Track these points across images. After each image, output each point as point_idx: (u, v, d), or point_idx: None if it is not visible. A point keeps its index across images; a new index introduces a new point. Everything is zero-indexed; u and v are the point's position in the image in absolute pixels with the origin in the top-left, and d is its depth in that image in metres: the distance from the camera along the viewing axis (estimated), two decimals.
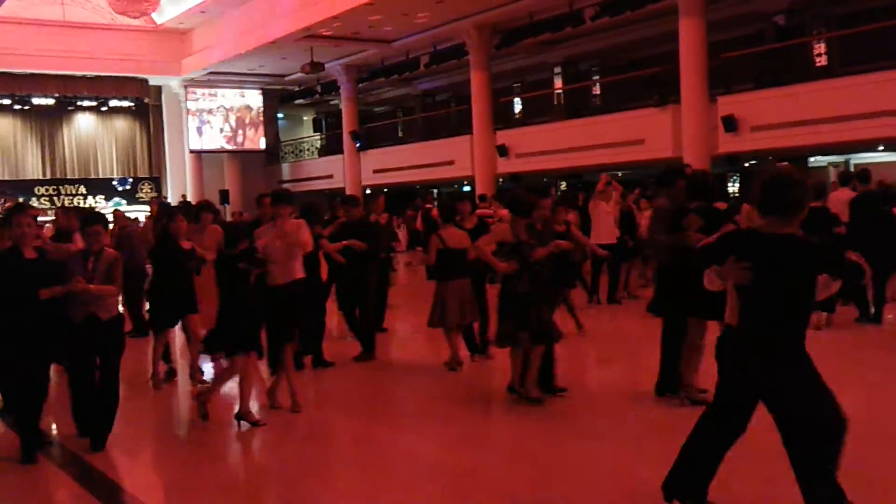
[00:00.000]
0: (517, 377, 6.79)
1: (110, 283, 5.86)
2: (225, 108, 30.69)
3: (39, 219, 10.52)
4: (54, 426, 6.59)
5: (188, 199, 28.73)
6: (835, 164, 20.26)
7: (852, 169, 19.61)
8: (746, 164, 20.58)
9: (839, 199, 10.91)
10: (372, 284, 9.17)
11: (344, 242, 8.64)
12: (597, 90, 23.75)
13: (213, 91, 30.31)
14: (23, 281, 5.52)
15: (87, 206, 27.93)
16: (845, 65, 17.18)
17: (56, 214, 11.05)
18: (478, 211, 8.72)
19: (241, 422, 6.35)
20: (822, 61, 17.77)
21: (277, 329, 6.83)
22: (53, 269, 5.78)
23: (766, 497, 4.72)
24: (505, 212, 8.79)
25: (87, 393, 5.94)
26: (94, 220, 6.12)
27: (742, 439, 4.13)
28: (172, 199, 29.30)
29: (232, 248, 6.47)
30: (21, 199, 27.28)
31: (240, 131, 31.02)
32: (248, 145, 31.29)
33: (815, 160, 20.25)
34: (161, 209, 14.51)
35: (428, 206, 19.63)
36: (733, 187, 21.71)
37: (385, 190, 26.08)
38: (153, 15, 26.40)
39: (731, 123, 17.06)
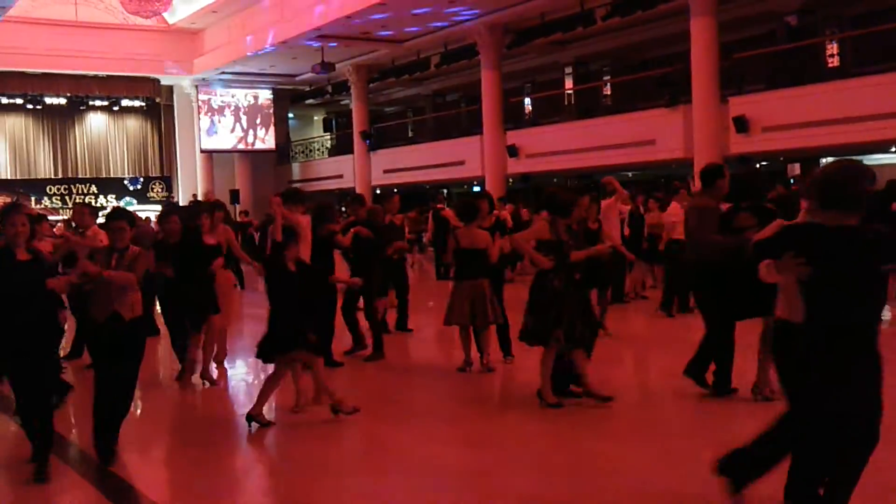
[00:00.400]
0: (548, 378, 6.66)
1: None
2: (236, 107, 30.77)
3: (50, 218, 10.65)
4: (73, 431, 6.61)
5: (198, 198, 28.86)
6: (706, 165, 20.11)
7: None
8: (758, 165, 20.49)
9: None
10: (376, 284, 9.13)
11: (353, 230, 8.67)
12: (607, 90, 23.71)
13: (224, 91, 30.40)
14: (14, 282, 5.25)
15: (98, 204, 28.09)
16: (858, 65, 17.10)
17: (73, 212, 11.21)
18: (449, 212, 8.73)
19: (252, 423, 6.33)
20: (834, 62, 17.69)
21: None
22: (47, 271, 5.59)
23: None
24: (506, 213, 8.79)
25: (112, 397, 5.72)
26: (119, 215, 5.86)
27: None
28: (183, 199, 29.43)
29: (282, 249, 6.45)
30: (33, 198, 27.57)
31: (250, 131, 31.11)
32: (258, 145, 31.38)
33: (827, 161, 20.12)
34: (166, 209, 14.56)
35: (439, 206, 19.62)
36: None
37: (395, 190, 26.10)
38: (165, 15, 26.52)
39: (742, 124, 17.00)
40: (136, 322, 5.73)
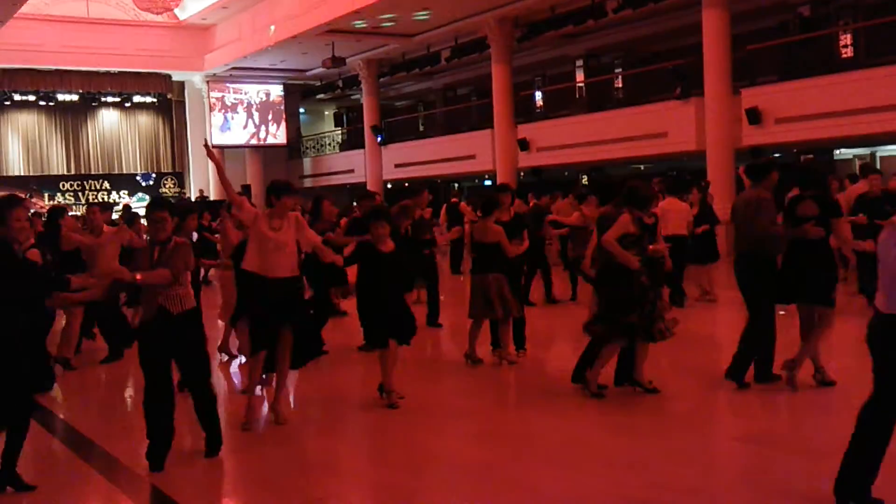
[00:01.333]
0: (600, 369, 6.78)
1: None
2: (247, 103, 30.81)
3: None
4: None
5: (206, 194, 28.95)
6: (860, 157, 20.02)
7: (878, 162, 19.41)
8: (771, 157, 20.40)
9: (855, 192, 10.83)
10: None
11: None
12: (619, 83, 23.59)
13: (235, 86, 30.44)
14: (14, 281, 4.98)
15: (111, 200, 28.20)
16: (872, 56, 16.96)
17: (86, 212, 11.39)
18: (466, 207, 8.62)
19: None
20: (848, 52, 17.54)
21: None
22: (49, 268, 5.52)
23: None
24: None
25: (162, 403, 5.40)
26: (159, 205, 5.50)
27: None
28: (193, 194, 29.52)
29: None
30: (46, 195, 27.71)
31: (262, 126, 31.15)
32: (269, 140, 31.41)
33: (841, 153, 20.02)
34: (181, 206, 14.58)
35: (454, 199, 19.65)
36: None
37: (406, 184, 26.11)
38: (176, 11, 26.55)
39: (754, 116, 16.91)
40: (186, 316, 5.43)
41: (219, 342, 9.11)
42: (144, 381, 5.45)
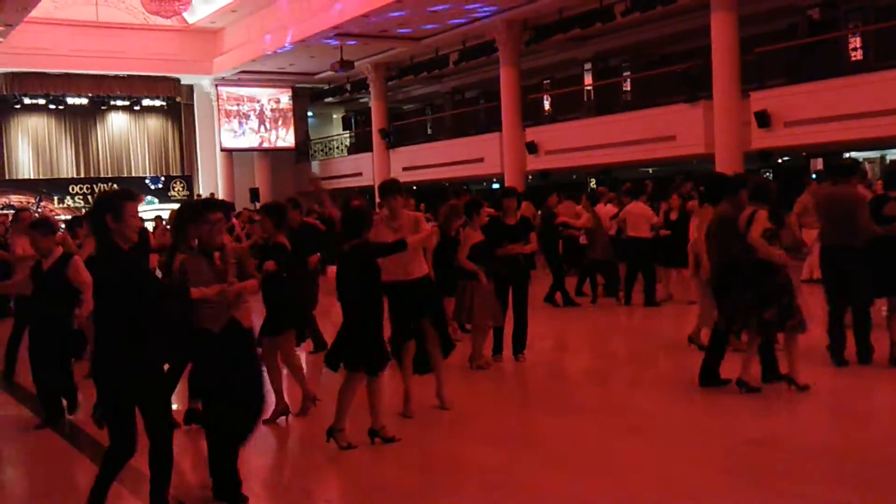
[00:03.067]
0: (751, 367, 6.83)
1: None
2: (255, 106, 30.88)
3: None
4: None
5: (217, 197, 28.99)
6: (870, 161, 19.94)
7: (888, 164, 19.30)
8: (780, 161, 20.31)
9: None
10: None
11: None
12: (627, 86, 23.54)
13: (243, 90, 30.51)
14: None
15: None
16: (881, 59, 16.88)
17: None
18: (486, 210, 8.50)
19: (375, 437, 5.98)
20: (857, 55, 17.46)
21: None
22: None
23: None
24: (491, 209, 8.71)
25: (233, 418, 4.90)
26: (214, 206, 5.07)
27: None
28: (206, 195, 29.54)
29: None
30: (55, 198, 27.81)
31: (270, 130, 31.21)
32: (278, 143, 31.47)
33: (850, 156, 19.93)
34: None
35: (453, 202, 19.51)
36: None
37: (414, 188, 26.10)
38: (185, 14, 26.65)
39: (764, 119, 16.85)
40: (251, 331, 5.19)
41: None
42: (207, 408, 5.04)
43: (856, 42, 17.54)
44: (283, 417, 6.59)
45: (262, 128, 31.06)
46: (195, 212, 4.91)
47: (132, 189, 4.95)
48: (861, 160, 20.04)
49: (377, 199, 7.87)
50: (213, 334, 4.83)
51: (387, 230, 6.20)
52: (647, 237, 11.74)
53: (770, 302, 6.59)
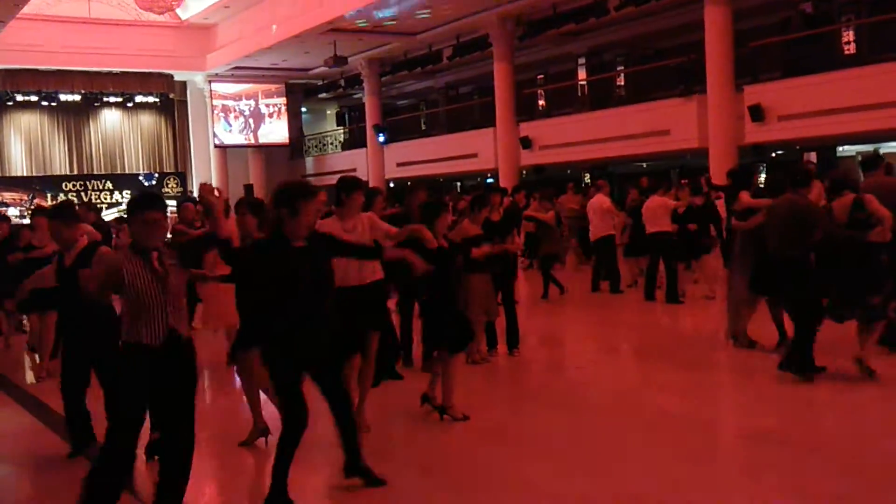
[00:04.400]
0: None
1: None
2: (249, 102, 30.81)
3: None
4: None
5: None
6: (864, 154, 19.99)
7: (883, 157, 19.33)
8: (773, 154, 20.35)
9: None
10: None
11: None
12: (621, 81, 23.58)
13: (237, 86, 30.44)
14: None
15: (113, 200, 28.23)
16: (875, 52, 16.92)
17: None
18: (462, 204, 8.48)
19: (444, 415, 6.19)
20: (850, 49, 17.51)
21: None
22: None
23: None
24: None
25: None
26: (154, 204, 4.56)
27: None
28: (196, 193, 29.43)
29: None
30: (49, 195, 27.72)
31: (263, 126, 31.15)
32: (271, 140, 31.41)
33: (844, 150, 19.98)
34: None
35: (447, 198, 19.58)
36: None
37: (409, 183, 26.08)
38: (178, 10, 26.55)
39: (757, 113, 16.87)
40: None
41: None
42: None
43: (849, 36, 17.58)
44: (263, 439, 5.89)
45: (256, 124, 31.00)
46: (129, 207, 4.41)
47: (310, 185, 4.88)
48: (856, 153, 20.10)
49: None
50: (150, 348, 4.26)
51: (341, 230, 5.64)
52: (668, 230, 11.46)
53: (876, 287, 6.69)
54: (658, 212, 11.58)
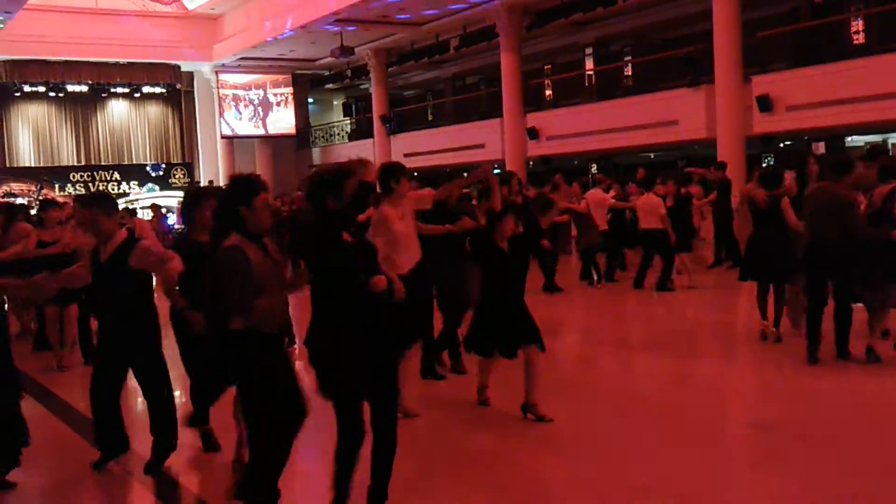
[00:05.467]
0: None
1: None
2: (256, 93, 30.82)
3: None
4: None
5: (212, 183, 28.97)
6: (872, 144, 19.90)
7: (890, 148, 19.27)
8: (781, 145, 20.28)
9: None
10: None
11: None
12: (629, 71, 23.50)
13: (244, 76, 30.44)
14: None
15: (120, 191, 28.29)
16: (884, 42, 16.84)
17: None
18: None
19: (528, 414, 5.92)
20: (859, 39, 17.43)
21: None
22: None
23: None
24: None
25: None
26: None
27: None
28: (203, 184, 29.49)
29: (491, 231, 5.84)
30: (56, 186, 27.80)
31: (270, 116, 31.16)
32: (278, 130, 31.42)
33: (853, 140, 19.89)
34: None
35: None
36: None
37: (416, 174, 26.07)
38: (184, 1, 26.56)
39: (766, 103, 16.80)
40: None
41: None
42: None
43: (858, 25, 17.50)
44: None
45: (263, 114, 31.01)
46: (239, 192, 4.15)
47: (352, 163, 4.32)
48: (864, 143, 20.03)
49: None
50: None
51: (396, 219, 5.65)
52: (659, 228, 11.78)
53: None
54: (650, 209, 11.93)
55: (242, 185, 4.13)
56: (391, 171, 5.86)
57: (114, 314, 5.11)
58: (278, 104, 31.20)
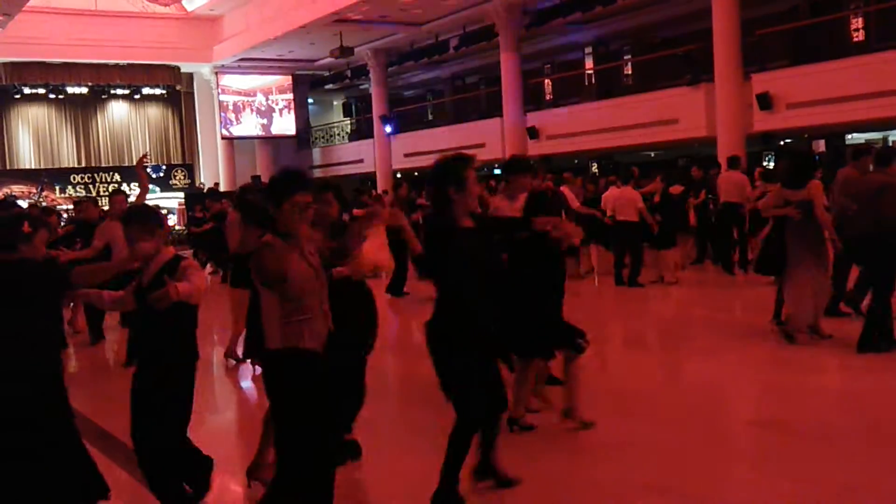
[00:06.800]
0: None
1: None
2: (256, 94, 30.82)
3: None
4: None
5: (220, 185, 29.00)
6: (873, 142, 19.90)
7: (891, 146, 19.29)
8: (781, 143, 20.28)
9: None
10: None
11: None
12: (628, 70, 23.50)
13: (243, 77, 30.45)
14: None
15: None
16: (883, 39, 16.84)
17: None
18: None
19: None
20: (859, 36, 17.42)
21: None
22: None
23: None
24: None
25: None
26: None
27: None
28: (206, 186, 29.53)
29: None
30: (57, 188, 27.82)
31: (270, 117, 31.17)
32: (278, 131, 31.43)
33: (853, 137, 19.89)
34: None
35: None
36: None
37: (416, 174, 26.09)
38: (184, 2, 26.57)
39: (765, 101, 16.81)
40: None
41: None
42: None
43: (857, 23, 17.49)
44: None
45: (263, 115, 31.01)
46: (278, 188, 3.79)
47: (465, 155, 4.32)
48: (864, 141, 20.03)
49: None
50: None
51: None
52: (634, 221, 11.99)
53: None
54: (627, 202, 12.08)
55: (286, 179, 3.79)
56: (511, 166, 5.83)
57: (157, 344, 4.16)
58: (278, 105, 31.19)
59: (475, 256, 4.16)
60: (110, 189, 28.41)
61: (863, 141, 20.13)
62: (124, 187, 29.00)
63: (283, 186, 3.71)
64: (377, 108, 28.04)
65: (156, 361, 4.11)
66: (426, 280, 4.59)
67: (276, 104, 31.10)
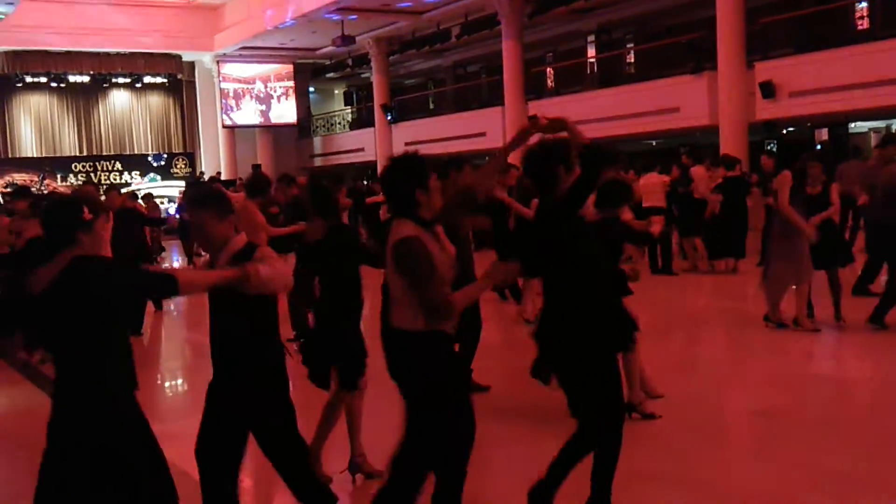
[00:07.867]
0: None
1: None
2: (257, 82, 30.76)
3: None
4: None
5: (222, 174, 28.99)
6: (876, 130, 19.84)
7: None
8: (784, 131, 20.22)
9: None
10: None
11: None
12: (631, 58, 23.42)
13: (245, 66, 30.38)
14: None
15: (122, 181, 28.29)
16: (888, 27, 16.74)
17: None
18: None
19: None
20: (863, 24, 17.32)
21: None
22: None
23: None
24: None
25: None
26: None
27: None
28: (207, 173, 29.53)
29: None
30: (59, 176, 27.82)
31: (272, 106, 31.11)
32: (277, 117, 31.37)
33: (856, 126, 19.85)
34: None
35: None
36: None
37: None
38: None
39: (768, 90, 16.74)
40: None
41: None
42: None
43: (862, 11, 17.39)
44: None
45: (264, 104, 30.96)
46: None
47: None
48: (868, 129, 19.98)
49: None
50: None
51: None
52: (661, 206, 11.94)
53: None
54: (654, 188, 12.16)
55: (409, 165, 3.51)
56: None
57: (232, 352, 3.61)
58: (279, 94, 31.13)
59: (595, 246, 3.83)
60: (111, 178, 28.43)
61: (866, 130, 20.09)
62: (126, 177, 29.04)
63: (422, 170, 3.46)
64: (378, 97, 27.98)
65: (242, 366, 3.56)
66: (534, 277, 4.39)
67: (275, 91, 31.03)
